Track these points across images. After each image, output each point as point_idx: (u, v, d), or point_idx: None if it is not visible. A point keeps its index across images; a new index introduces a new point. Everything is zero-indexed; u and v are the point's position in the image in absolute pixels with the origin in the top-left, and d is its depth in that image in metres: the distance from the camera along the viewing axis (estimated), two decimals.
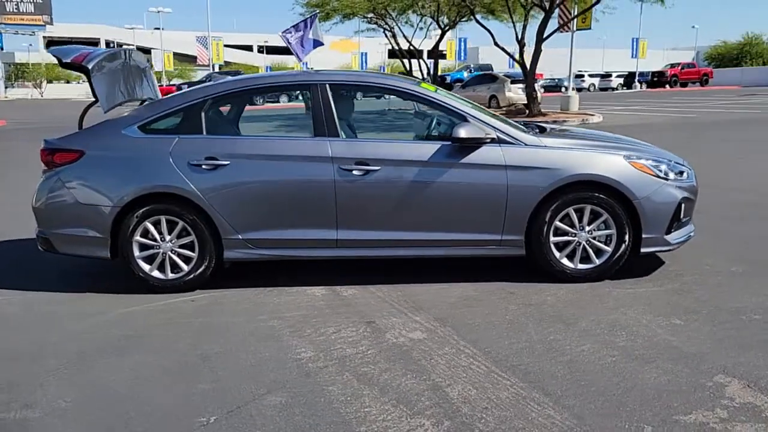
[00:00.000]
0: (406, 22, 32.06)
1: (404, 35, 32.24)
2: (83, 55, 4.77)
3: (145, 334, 4.00)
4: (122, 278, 4.98)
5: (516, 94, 25.60)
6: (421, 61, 33.17)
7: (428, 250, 4.74)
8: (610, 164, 4.62)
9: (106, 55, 4.87)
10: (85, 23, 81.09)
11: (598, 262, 4.70)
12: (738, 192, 7.97)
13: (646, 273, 4.90)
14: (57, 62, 4.88)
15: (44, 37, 66.03)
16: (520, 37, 22.19)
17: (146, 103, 5.17)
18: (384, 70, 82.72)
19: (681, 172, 4.83)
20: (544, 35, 20.48)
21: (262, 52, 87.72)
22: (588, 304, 4.33)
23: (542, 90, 32.94)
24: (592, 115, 21.88)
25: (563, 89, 53.60)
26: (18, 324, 4.28)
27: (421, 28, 32.55)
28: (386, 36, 33.01)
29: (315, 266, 5.18)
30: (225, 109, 5.16)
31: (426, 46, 34.30)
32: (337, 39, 72.20)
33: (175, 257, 4.71)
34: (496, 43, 22.18)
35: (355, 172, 4.57)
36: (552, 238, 4.67)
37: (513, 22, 22.91)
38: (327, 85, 4.75)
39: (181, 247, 4.70)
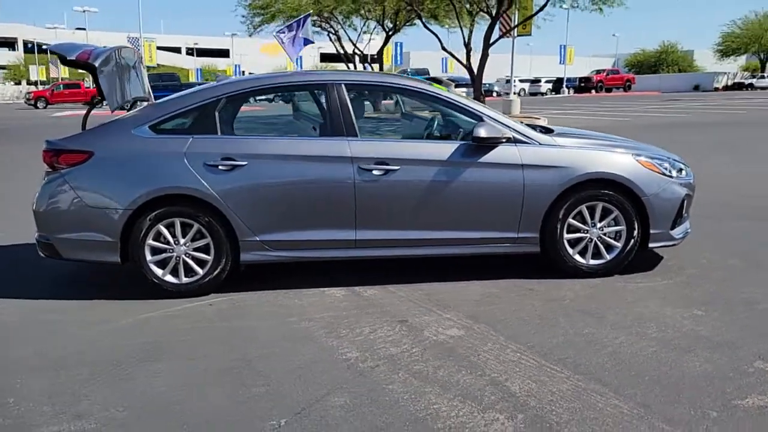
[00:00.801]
0: (350, 26, 32.15)
1: (350, 39, 32.28)
2: (87, 52, 4.58)
3: (172, 340, 3.87)
4: (127, 285, 4.82)
5: None
6: (367, 65, 33.26)
7: (446, 249, 4.77)
8: (620, 163, 4.77)
9: (109, 53, 4.69)
10: (1, 22, 77.55)
11: (608, 257, 4.84)
12: (709, 192, 8.33)
13: (649, 268, 5.07)
14: (59, 60, 4.66)
15: None
16: (466, 42, 22.57)
17: (146, 102, 5.00)
18: None
19: (680, 170, 5.04)
20: (491, 41, 20.90)
21: (191, 54, 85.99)
22: (607, 298, 4.45)
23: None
24: (538, 118, 22.38)
25: (494, 94, 54.68)
26: (23, 334, 4.05)
27: (366, 32, 32.67)
28: (330, 39, 32.94)
29: (327, 267, 5.12)
30: (239, 108, 5.04)
31: (369, 50, 34.40)
32: (267, 42, 71.46)
33: (189, 261, 4.57)
34: (443, 48, 22.49)
35: (374, 172, 4.55)
36: (566, 235, 4.78)
37: (461, 27, 23.28)
38: (343, 85, 4.72)
39: (195, 250, 4.56)
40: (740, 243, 5.81)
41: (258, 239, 4.57)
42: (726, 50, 73.38)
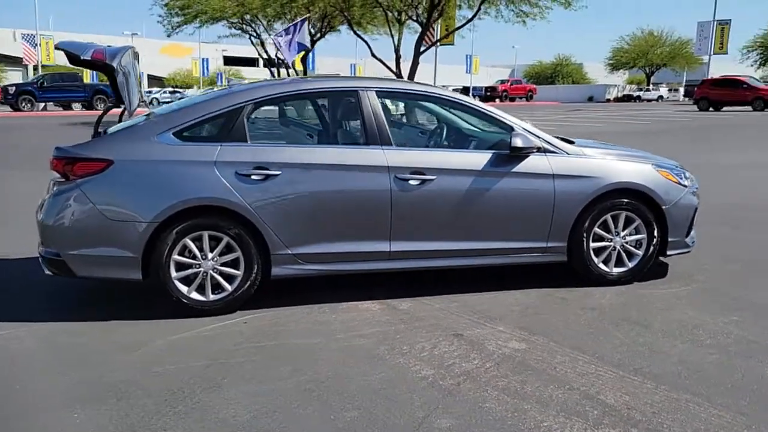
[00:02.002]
0: (271, 30, 31.49)
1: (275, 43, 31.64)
2: (100, 51, 4.21)
3: (225, 362, 3.59)
4: (138, 303, 4.46)
5: None
6: (290, 69, 32.67)
7: (479, 260, 4.71)
8: (643, 173, 4.88)
9: (123, 53, 4.34)
10: None
11: (630, 265, 4.94)
12: None
13: (661, 275, 5.21)
14: (69, 58, 4.25)
15: None
16: (396, 48, 22.71)
17: (155, 106, 4.66)
18: (222, 77, 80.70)
19: (689, 178, 5.22)
20: (421, 49, 21.13)
21: None
22: (641, 305, 4.53)
23: None
24: None
25: None
26: (51, 361, 3.66)
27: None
28: (252, 42, 32.21)
29: (350, 279, 4.93)
30: (266, 114, 4.79)
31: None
32: (167, 43, 69.20)
33: (217, 276, 4.28)
34: (373, 55, 22.52)
35: (411, 182, 4.44)
36: (591, 244, 4.84)
37: (391, 35, 23.39)
38: (374, 92, 4.57)
39: (222, 265, 4.28)
40: (728, 248, 6.07)
41: (291, 252, 4.34)
42: (616, 64, 77.93)
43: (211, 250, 4.24)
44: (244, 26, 30.78)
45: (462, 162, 4.59)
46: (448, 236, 4.59)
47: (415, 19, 21.31)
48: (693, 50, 55.27)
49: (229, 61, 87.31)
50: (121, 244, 4.10)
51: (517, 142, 4.53)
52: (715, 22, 39.83)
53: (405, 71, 21.10)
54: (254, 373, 3.46)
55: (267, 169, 4.24)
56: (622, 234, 4.89)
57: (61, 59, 74.94)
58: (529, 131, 4.72)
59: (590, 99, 68.52)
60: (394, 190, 4.41)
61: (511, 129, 4.69)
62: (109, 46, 4.59)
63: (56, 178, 4.19)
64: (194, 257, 4.22)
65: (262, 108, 4.57)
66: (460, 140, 5.11)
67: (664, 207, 4.87)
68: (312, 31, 28.10)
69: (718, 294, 4.76)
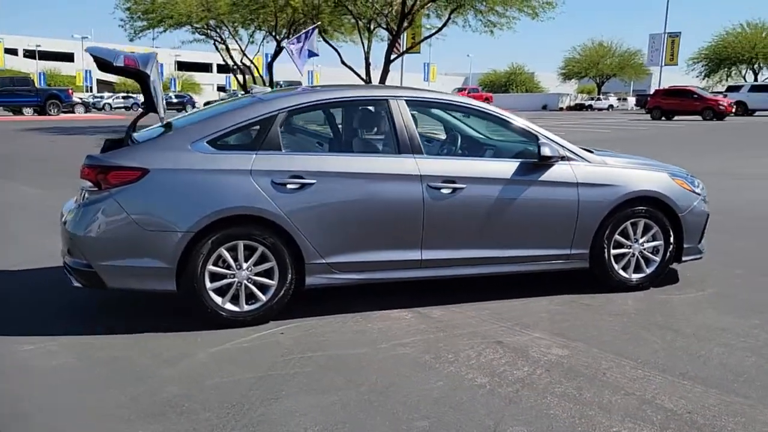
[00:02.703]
0: (236, 36, 31.20)
1: (241, 48, 31.34)
2: (132, 59, 4.11)
3: (276, 374, 3.54)
4: (162, 314, 4.36)
5: None
6: (257, 75, 32.44)
7: (507, 267, 4.76)
8: (661, 181, 5.01)
9: (152, 60, 4.24)
10: None
11: (648, 271, 5.06)
12: None
13: (673, 281, 5.34)
14: (98, 65, 4.13)
15: None
16: (366, 56, 22.75)
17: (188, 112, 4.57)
18: (175, 83, 79.42)
19: (699, 186, 5.37)
20: (391, 57, 21.23)
21: (31, 57, 79.50)
22: (665, 310, 4.64)
23: None
24: None
25: None
26: (96, 376, 3.54)
27: (252, 42, 31.93)
28: (216, 48, 31.80)
29: (372, 288, 4.91)
30: (297, 123, 4.74)
31: (247, 61, 33.50)
32: (127, 46, 67.75)
33: (251, 286, 4.22)
34: (343, 62, 22.52)
35: (443, 191, 4.46)
36: (612, 251, 4.94)
37: (362, 42, 23.43)
38: (404, 101, 4.59)
39: (256, 274, 4.22)
40: (728, 254, 6.23)
41: (325, 262, 4.31)
42: (569, 73, 79.71)
43: (246, 260, 4.17)
44: (209, 32, 30.40)
45: (491, 170, 4.64)
46: (478, 244, 4.62)
47: (384, 27, 21.41)
48: (643, 61, 56.97)
49: (182, 66, 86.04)
50: (156, 254, 4.01)
51: (546, 151, 4.60)
52: (666, 35, 41.27)
53: (375, 79, 21.18)
54: (310, 385, 3.42)
55: (302, 178, 4.21)
56: (641, 241, 5.01)
57: (11, 62, 72.56)
58: (553, 140, 4.80)
59: (544, 107, 69.78)
60: (426, 198, 4.42)
61: (537, 138, 4.76)
62: (132, 52, 4.50)
63: (87, 186, 4.07)
64: (228, 267, 4.15)
65: (295, 116, 4.53)
66: (485, 149, 5.16)
67: (680, 214, 5.01)
68: (278, 38, 27.95)
69: (736, 300, 4.87)
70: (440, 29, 22.05)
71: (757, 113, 38.79)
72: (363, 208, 4.34)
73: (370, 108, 4.80)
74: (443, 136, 5.28)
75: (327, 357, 3.79)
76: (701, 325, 4.35)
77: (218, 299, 4.15)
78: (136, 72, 4.08)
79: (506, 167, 4.68)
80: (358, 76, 23.37)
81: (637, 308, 4.68)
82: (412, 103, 4.64)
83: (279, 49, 27.24)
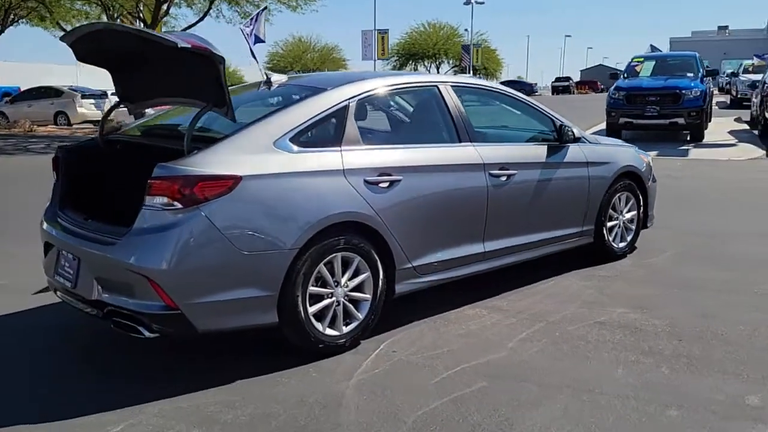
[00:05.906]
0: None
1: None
2: (205, 42, 3.23)
3: (458, 395, 3.12)
4: (214, 353, 3.60)
5: (89, 110, 23.36)
6: None
7: (543, 249, 4.79)
8: (635, 157, 5.48)
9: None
10: None
11: (628, 239, 5.50)
12: None
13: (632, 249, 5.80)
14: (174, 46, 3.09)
15: None
16: None
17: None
18: None
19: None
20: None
21: None
22: (661, 279, 4.91)
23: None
24: None
25: None
26: None
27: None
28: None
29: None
30: (365, 112, 4.10)
31: None
32: None
33: (349, 305, 3.64)
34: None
35: (501, 178, 4.33)
36: (608, 223, 5.27)
37: None
38: (450, 86, 4.33)
39: (351, 290, 3.65)
40: (672, 223, 6.53)
41: (411, 266, 3.90)
42: (274, 68, 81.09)
43: (343, 274, 3.59)
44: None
45: (530, 155, 4.63)
46: (526, 229, 4.58)
47: (137, 16, 19.31)
48: (342, 56, 60.30)
49: None
50: (257, 281, 3.24)
51: (574, 133, 4.74)
52: (376, 31, 44.42)
53: None
54: (517, 398, 3.10)
55: (390, 175, 3.74)
56: (623, 211, 5.42)
57: None
58: (563, 122, 4.93)
59: None
60: (489, 187, 4.25)
61: (553, 122, 4.85)
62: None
63: (160, 204, 3.09)
64: (324, 285, 3.53)
65: (365, 105, 3.99)
66: (517, 134, 5.11)
67: (646, 185, 5.53)
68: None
69: (703, 267, 5.22)
70: (201, 19, 20.66)
71: None
72: (442, 203, 4.01)
73: (423, 95, 4.42)
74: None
75: (481, 365, 3.45)
76: (722, 281, 4.84)
77: (319, 325, 3.50)
78: (210, 55, 3.18)
79: (540, 151, 4.71)
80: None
81: (634, 281, 4.88)
82: (456, 89, 4.38)
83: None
